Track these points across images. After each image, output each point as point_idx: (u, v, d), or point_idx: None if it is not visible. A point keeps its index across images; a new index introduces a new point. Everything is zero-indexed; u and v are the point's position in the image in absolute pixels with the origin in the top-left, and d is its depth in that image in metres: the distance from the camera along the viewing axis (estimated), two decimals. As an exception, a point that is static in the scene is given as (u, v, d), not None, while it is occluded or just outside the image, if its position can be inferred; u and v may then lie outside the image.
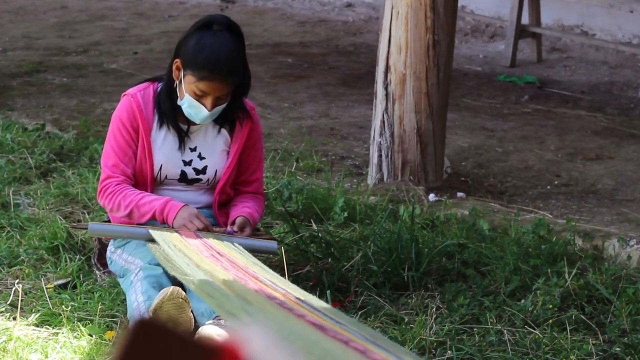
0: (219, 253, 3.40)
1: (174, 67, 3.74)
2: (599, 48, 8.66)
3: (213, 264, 3.21)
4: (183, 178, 3.85)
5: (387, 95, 5.09)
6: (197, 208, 3.79)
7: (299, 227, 4.38)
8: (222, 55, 3.62)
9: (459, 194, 5.08)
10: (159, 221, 3.71)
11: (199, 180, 3.87)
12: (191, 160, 3.84)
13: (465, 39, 9.19)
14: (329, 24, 9.69)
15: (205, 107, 3.67)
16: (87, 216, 4.57)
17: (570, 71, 8.15)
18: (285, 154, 5.54)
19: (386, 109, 5.11)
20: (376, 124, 5.17)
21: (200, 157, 3.85)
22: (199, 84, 3.64)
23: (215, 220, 3.87)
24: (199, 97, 3.67)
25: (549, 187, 5.35)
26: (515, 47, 8.27)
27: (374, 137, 5.19)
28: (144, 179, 3.81)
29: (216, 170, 3.86)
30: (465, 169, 5.56)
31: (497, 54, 8.63)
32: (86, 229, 3.86)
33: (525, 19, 8.30)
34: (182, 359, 1.01)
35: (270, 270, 3.25)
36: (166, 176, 3.84)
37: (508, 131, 6.35)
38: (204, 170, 3.86)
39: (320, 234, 4.27)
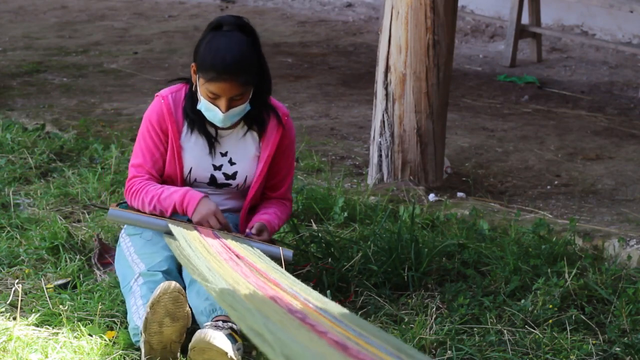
0: (237, 256, 3.39)
1: (192, 72, 3.74)
2: (599, 48, 8.66)
3: (233, 270, 3.20)
4: (212, 182, 3.85)
5: (387, 95, 5.09)
6: (223, 211, 3.78)
7: (299, 227, 4.38)
8: (227, 56, 3.61)
9: (459, 194, 5.07)
10: (180, 213, 3.72)
11: (228, 185, 3.86)
12: (221, 165, 3.84)
13: (465, 39, 9.19)
14: (329, 24, 9.69)
15: (220, 109, 3.66)
16: (87, 216, 4.57)
17: (570, 71, 8.15)
18: (285, 154, 5.54)
19: (386, 109, 5.11)
20: (376, 124, 5.17)
21: (231, 163, 3.84)
22: (209, 86, 3.64)
23: (237, 226, 3.85)
24: (212, 100, 3.66)
25: (549, 187, 5.35)
26: (515, 47, 8.27)
27: (374, 137, 5.19)
28: (174, 181, 3.82)
29: (246, 176, 3.86)
30: (465, 169, 5.56)
31: (497, 54, 8.63)
32: (106, 209, 3.86)
33: (525, 19, 8.30)
34: None
35: (290, 276, 3.24)
36: (195, 179, 3.84)
37: (508, 131, 6.35)
38: (233, 176, 3.85)
39: (320, 234, 4.27)
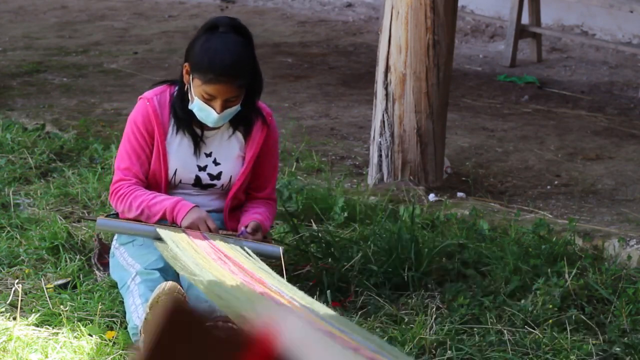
0: (226, 256, 3.41)
1: (184, 71, 3.73)
2: (599, 48, 8.66)
3: (221, 267, 3.22)
4: (197, 183, 3.85)
5: (387, 95, 5.09)
6: (208, 212, 3.79)
7: (299, 227, 4.38)
8: (226, 58, 3.61)
9: (459, 194, 5.07)
10: (169, 220, 3.72)
11: (213, 185, 3.87)
12: (206, 166, 3.84)
13: (465, 39, 9.19)
14: (329, 24, 9.69)
15: (215, 109, 3.66)
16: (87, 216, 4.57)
17: (570, 71, 8.15)
18: (285, 154, 5.54)
19: (386, 109, 5.11)
20: (376, 124, 5.17)
21: (216, 163, 3.84)
22: (206, 87, 3.64)
23: (223, 225, 3.86)
24: (207, 100, 3.66)
25: (549, 187, 5.35)
26: (515, 47, 8.27)
27: (374, 137, 5.19)
28: (158, 183, 3.82)
29: (231, 177, 3.86)
30: (465, 169, 5.56)
31: (497, 54, 8.63)
32: (94, 220, 3.88)
33: (525, 19, 8.30)
34: (211, 351, 0.99)
35: (277, 275, 3.26)
36: (180, 180, 3.84)
37: (508, 131, 6.35)
38: (218, 176, 3.85)
39: (320, 234, 4.27)
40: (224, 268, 3.23)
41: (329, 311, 2.83)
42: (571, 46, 8.86)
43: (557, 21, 9.06)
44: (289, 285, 3.15)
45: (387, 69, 5.08)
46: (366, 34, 9.30)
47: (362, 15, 10.04)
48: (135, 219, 3.77)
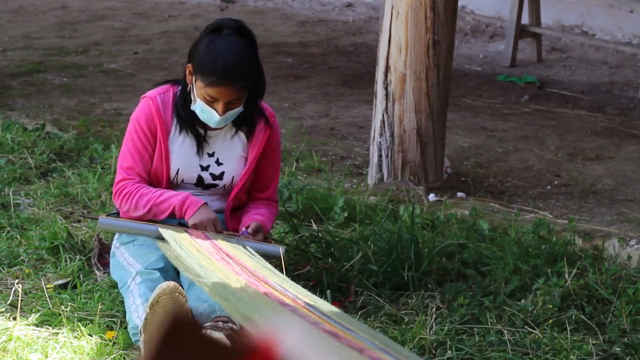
0: (228, 256, 3.41)
1: (187, 72, 3.73)
2: (599, 48, 8.66)
3: (224, 267, 3.22)
4: (199, 183, 3.85)
5: (387, 95, 5.09)
6: None
7: (299, 227, 4.38)
8: (229, 61, 3.60)
9: (459, 194, 5.07)
10: (177, 216, 3.71)
11: (215, 185, 3.86)
12: (208, 166, 3.84)
13: (465, 39, 9.19)
14: (329, 24, 9.69)
15: (217, 111, 3.66)
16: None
17: (570, 71, 8.15)
18: (285, 154, 5.54)
19: (386, 109, 5.11)
20: (376, 124, 5.17)
21: (218, 163, 3.84)
22: (208, 90, 3.63)
23: (225, 225, 3.86)
24: (209, 102, 3.66)
25: (549, 187, 5.35)
26: (515, 47, 8.27)
27: (374, 137, 5.19)
28: (160, 182, 3.81)
29: (233, 177, 3.86)
30: (465, 169, 5.56)
31: (497, 54, 8.63)
32: (96, 219, 3.87)
33: (525, 19, 8.30)
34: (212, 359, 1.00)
35: (280, 274, 3.26)
36: (182, 180, 3.83)
37: (508, 131, 6.35)
38: (220, 176, 3.85)
39: (320, 234, 4.27)
40: (227, 268, 3.23)
41: (333, 308, 2.83)
42: (571, 46, 8.86)
43: (557, 21, 9.06)
44: (293, 283, 3.16)
45: (387, 69, 5.08)
46: (366, 34, 9.30)
47: (362, 15, 10.04)
48: (139, 218, 3.76)
